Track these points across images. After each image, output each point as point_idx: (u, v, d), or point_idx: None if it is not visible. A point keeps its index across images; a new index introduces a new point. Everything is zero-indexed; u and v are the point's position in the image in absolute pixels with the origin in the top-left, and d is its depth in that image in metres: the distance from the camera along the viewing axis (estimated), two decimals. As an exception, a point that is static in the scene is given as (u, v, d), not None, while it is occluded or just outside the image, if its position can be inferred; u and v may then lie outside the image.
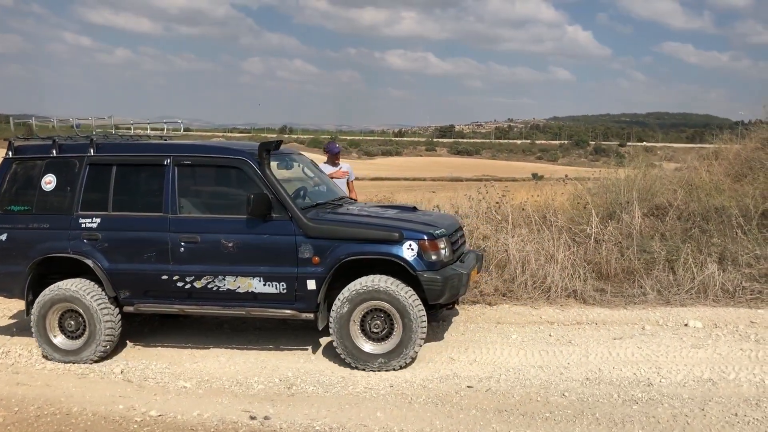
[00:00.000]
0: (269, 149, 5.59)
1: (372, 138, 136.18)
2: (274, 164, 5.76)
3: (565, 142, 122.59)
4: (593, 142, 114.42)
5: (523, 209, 9.49)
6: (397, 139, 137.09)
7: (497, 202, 9.58)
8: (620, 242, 8.27)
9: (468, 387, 5.03)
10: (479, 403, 4.72)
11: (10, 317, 7.09)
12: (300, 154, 6.89)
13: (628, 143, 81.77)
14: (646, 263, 7.80)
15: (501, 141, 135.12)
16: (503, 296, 7.40)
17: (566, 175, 12.15)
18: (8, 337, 6.46)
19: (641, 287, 7.29)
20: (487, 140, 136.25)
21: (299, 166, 6.51)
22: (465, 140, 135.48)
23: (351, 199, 6.64)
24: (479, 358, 5.66)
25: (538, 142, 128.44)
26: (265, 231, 5.47)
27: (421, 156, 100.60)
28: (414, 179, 56.93)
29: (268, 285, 5.48)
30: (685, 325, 6.25)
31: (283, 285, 5.47)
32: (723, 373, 5.02)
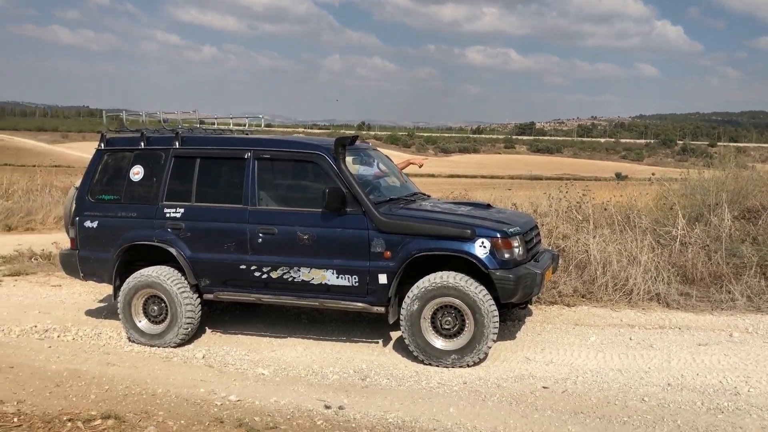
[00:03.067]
0: (345, 144, 5.66)
1: (449, 135, 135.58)
2: (349, 159, 5.82)
3: (652, 141, 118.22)
4: (681, 142, 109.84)
5: (605, 209, 9.23)
6: (474, 136, 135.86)
7: (578, 202, 9.35)
8: (707, 245, 7.91)
9: (544, 387, 4.94)
10: (555, 404, 4.62)
11: (100, 300, 7.46)
12: (375, 149, 6.94)
13: (719, 143, 77.96)
14: (735, 268, 7.44)
15: (583, 139, 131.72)
16: (582, 297, 7.23)
17: (653, 174, 11.72)
18: (99, 319, 6.81)
19: (729, 293, 6.95)
20: (569, 138, 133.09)
21: (374, 161, 6.55)
22: (546, 138, 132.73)
23: (424, 195, 6.63)
24: (556, 359, 5.54)
25: (622, 140, 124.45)
26: (339, 225, 5.54)
27: (499, 153, 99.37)
28: (491, 177, 56.25)
29: (341, 278, 5.55)
30: (778, 333, 5.91)
31: (355, 278, 5.52)
32: (820, 386, 4.73)
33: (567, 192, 9.68)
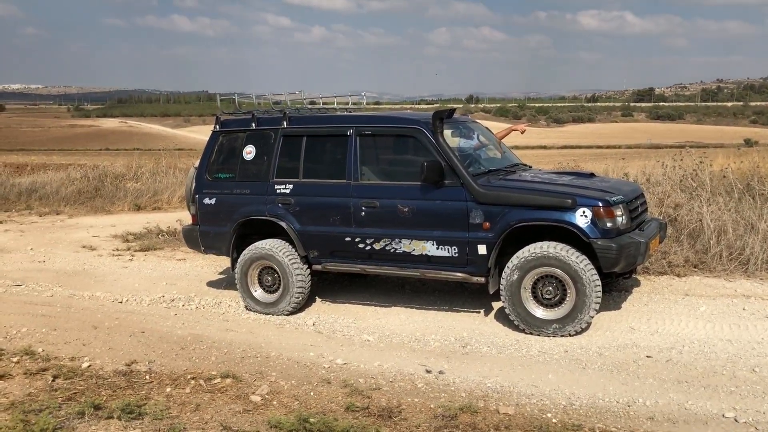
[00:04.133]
0: (442, 117, 5.76)
1: (562, 105, 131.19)
2: (448, 132, 5.92)
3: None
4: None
5: (724, 176, 8.80)
6: (589, 104, 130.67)
7: (694, 170, 8.95)
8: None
9: (647, 357, 4.89)
10: (658, 373, 4.57)
11: (220, 273, 8.03)
12: (475, 122, 6.98)
13: None
14: None
15: (708, 104, 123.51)
16: (694, 267, 6.99)
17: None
18: (220, 290, 7.34)
19: None
20: (692, 103, 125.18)
21: (474, 133, 6.61)
22: (666, 104, 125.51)
23: (526, 165, 6.61)
24: (661, 329, 5.44)
25: (752, 103, 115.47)
26: (437, 197, 5.67)
27: (616, 122, 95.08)
28: (608, 147, 54.16)
29: (441, 248, 5.69)
30: None
31: (454, 249, 5.65)
32: None
33: (682, 159, 9.28)
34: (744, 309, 5.73)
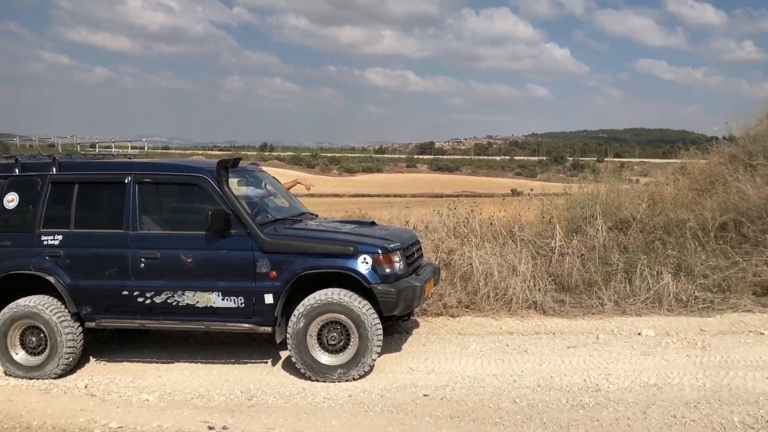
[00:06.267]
0: (227, 166, 5.73)
1: (353, 155, 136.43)
2: (234, 181, 5.90)
3: (544, 158, 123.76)
4: (571, 158, 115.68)
5: (491, 224, 9.69)
6: (377, 155, 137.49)
7: (466, 217, 9.77)
8: (583, 255, 8.48)
9: (424, 395, 5.16)
10: (433, 411, 4.85)
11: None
12: (262, 170, 7.03)
13: (606, 159, 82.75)
14: (606, 275, 7.99)
15: (481, 157, 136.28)
16: (466, 308, 7.55)
17: (531, 189, 12.40)
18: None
19: (599, 298, 7.48)
20: (467, 156, 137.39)
21: (262, 182, 6.64)
22: (445, 156, 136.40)
23: (312, 214, 6.77)
24: (437, 368, 5.79)
25: (517, 158, 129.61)
26: (223, 246, 5.59)
27: (402, 172, 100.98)
28: (394, 195, 57.11)
29: (227, 299, 5.59)
30: (639, 333, 6.43)
31: (241, 299, 5.58)
32: (668, 378, 5.20)
33: (455, 208, 10.08)
34: (507, 345, 6.31)
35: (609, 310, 7.24)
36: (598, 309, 7.29)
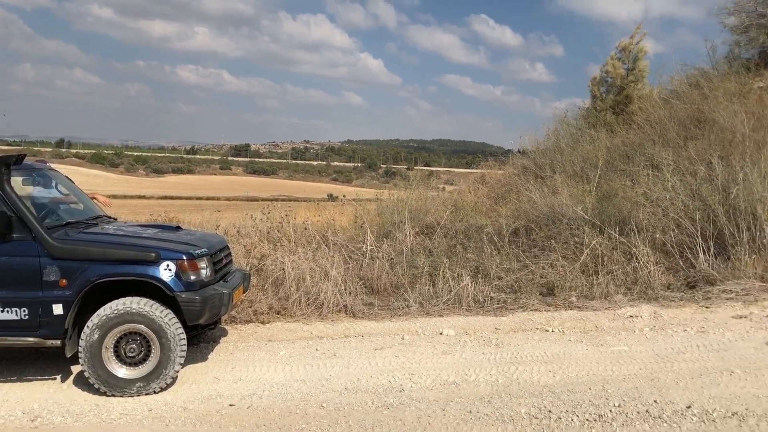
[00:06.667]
0: (9, 163, 5.16)
1: (162, 155, 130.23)
2: (18, 180, 5.33)
3: (359, 164, 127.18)
4: (384, 165, 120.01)
5: (305, 228, 9.71)
6: (189, 156, 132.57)
7: (280, 222, 9.71)
8: (392, 258, 8.79)
9: (230, 405, 5.01)
10: (239, 420, 4.72)
11: None
12: (53, 169, 6.42)
13: (416, 167, 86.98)
14: (412, 277, 8.35)
15: (298, 161, 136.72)
16: (277, 314, 7.48)
17: (344, 195, 12.67)
18: None
19: (406, 300, 7.78)
20: (284, 160, 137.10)
21: (52, 182, 6.07)
22: (261, 160, 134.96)
23: (110, 217, 6.31)
24: (245, 376, 5.65)
25: (333, 163, 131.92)
26: (3, 252, 5.02)
27: (215, 175, 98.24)
28: (207, 198, 55.46)
29: (8, 311, 5.03)
30: (440, 333, 6.77)
31: (25, 311, 5.04)
32: (465, 375, 5.52)
33: (269, 212, 9.98)
34: (317, 349, 6.33)
35: (414, 311, 7.55)
36: (404, 311, 7.58)
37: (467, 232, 9.88)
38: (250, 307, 7.36)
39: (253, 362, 5.99)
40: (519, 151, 16.13)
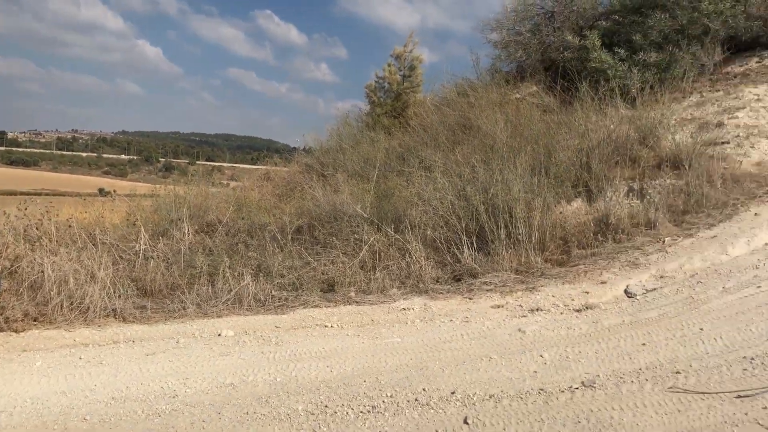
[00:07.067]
0: None
1: None
2: None
3: (135, 157, 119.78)
4: (163, 159, 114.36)
5: (70, 226, 8.89)
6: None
7: (39, 219, 8.77)
8: (168, 258, 8.38)
9: (-28, 427, 4.42)
10: (-16, 444, 4.18)
11: None
12: None
13: (198, 162, 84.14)
14: (190, 278, 8.04)
15: (64, 153, 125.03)
16: (34, 321, 6.78)
17: (114, 190, 11.86)
18: None
19: (182, 302, 7.46)
20: (48, 151, 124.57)
21: None
22: (21, 149, 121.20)
23: None
24: (-7, 393, 5.02)
25: (105, 156, 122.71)
26: None
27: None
28: (-49, 191, 48.47)
29: None
30: (219, 334, 6.58)
31: None
32: (244, 376, 5.43)
33: (27, 209, 8.99)
34: (81, 358, 5.82)
35: (191, 313, 7.26)
36: (180, 313, 7.26)
37: (250, 230, 9.76)
38: (2, 314, 6.57)
39: (3, 376, 5.35)
40: (304, 149, 16.36)
